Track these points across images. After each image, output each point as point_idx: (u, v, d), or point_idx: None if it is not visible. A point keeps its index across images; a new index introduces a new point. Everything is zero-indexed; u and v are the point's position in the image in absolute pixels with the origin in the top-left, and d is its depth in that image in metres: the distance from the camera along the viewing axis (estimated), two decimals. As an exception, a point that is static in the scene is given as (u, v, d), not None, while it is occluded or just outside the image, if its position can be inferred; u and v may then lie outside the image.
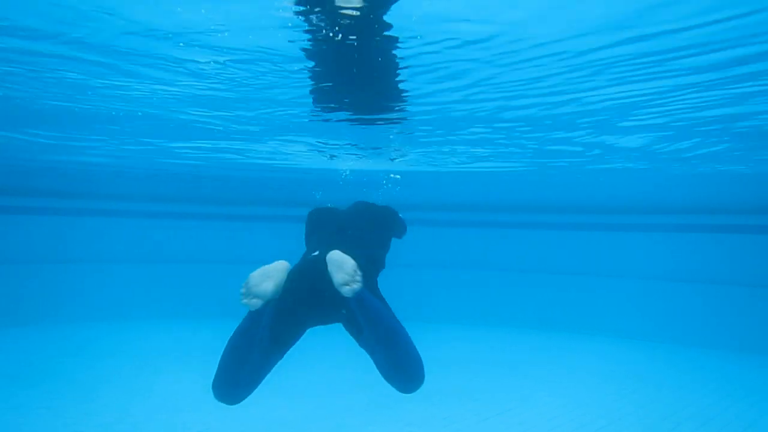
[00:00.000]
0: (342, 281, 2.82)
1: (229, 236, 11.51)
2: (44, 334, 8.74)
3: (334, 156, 7.30)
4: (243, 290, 3.04)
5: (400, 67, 4.25)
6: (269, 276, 3.04)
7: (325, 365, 7.47)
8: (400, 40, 3.47)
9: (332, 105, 5.15)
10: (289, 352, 3.25)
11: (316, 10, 3.08)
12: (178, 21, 3.15)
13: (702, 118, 4.84)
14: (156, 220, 11.12)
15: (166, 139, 6.85)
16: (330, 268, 2.92)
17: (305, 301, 3.17)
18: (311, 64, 3.98)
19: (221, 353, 3.09)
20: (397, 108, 5.17)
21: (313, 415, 5.45)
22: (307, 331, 3.34)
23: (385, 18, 3.16)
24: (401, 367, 3.07)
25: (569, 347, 9.12)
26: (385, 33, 3.44)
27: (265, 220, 11.65)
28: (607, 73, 3.75)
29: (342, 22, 3.23)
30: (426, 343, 9.97)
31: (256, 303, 3.00)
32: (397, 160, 7.38)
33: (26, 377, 6.34)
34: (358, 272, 2.86)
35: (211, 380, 3.03)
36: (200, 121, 5.72)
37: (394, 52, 3.77)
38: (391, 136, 6.14)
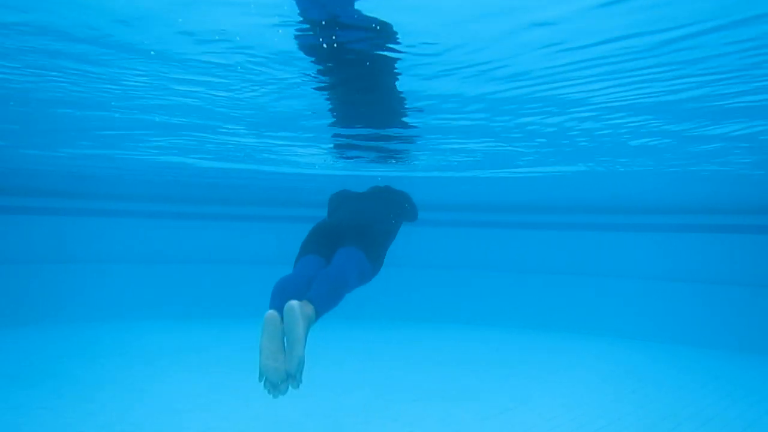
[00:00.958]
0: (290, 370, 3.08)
1: (229, 236, 11.52)
2: (44, 334, 8.75)
3: (346, 159, 7.33)
4: (264, 384, 3.12)
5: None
6: (274, 354, 3.11)
7: (324, 365, 7.48)
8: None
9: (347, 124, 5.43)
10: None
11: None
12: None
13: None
14: (156, 220, 11.13)
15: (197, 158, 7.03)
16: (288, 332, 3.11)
17: (327, 235, 3.96)
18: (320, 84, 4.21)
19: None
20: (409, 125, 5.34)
21: (312, 415, 5.45)
22: None
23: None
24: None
25: (569, 347, 9.12)
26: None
27: (266, 220, 11.65)
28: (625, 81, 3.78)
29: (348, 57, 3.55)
30: (426, 343, 10.05)
31: (281, 388, 3.10)
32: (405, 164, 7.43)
33: (26, 377, 6.34)
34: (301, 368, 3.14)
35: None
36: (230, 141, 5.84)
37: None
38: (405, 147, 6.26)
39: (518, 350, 8.91)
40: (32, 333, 8.77)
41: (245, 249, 11.45)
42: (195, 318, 10.37)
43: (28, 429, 4.86)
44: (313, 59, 3.81)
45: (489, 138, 5.76)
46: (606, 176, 7.86)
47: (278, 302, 3.16)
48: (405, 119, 5.26)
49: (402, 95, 4.56)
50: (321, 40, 3.44)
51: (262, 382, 3.07)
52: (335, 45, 3.48)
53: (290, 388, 3.05)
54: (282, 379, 3.04)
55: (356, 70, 4.01)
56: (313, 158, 7.20)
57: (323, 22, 3.25)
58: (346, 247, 3.77)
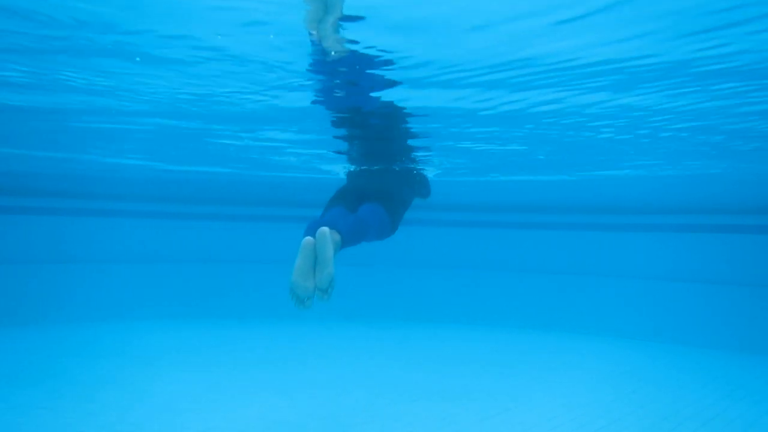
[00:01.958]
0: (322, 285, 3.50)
1: (229, 236, 11.51)
2: (44, 334, 8.74)
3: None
4: (291, 297, 3.60)
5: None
6: (305, 274, 3.53)
7: (324, 364, 7.47)
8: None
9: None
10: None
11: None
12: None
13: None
14: (156, 220, 11.12)
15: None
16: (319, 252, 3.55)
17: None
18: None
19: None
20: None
21: (312, 415, 5.45)
22: None
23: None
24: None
25: (569, 347, 9.12)
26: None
27: (267, 220, 11.64)
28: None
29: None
30: (426, 343, 10.01)
31: (306, 303, 3.58)
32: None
33: (26, 377, 6.34)
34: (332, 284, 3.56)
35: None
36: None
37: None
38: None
39: (518, 350, 8.91)
40: (32, 333, 8.76)
41: (245, 249, 11.44)
42: (195, 318, 10.36)
43: (28, 429, 4.85)
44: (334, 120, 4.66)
45: (496, 144, 5.84)
46: (609, 177, 7.89)
47: (312, 233, 3.63)
48: (415, 153, 5.57)
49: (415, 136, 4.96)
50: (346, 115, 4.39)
51: (291, 297, 3.55)
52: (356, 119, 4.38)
53: (321, 300, 3.54)
54: (308, 295, 3.50)
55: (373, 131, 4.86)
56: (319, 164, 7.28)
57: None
58: (370, 202, 4.38)
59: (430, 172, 7.04)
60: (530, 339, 9.73)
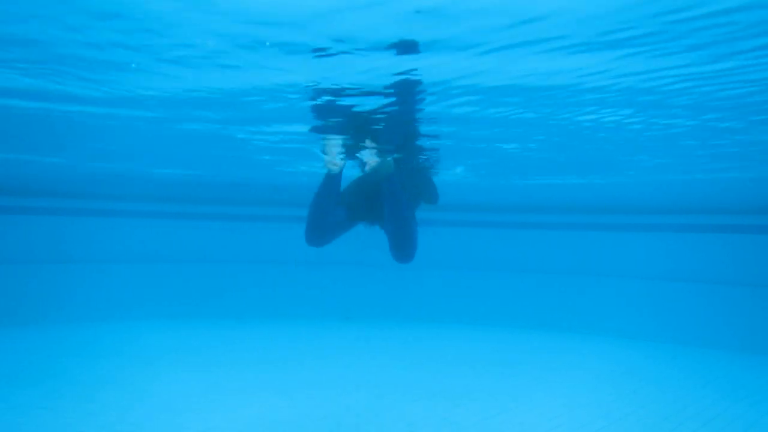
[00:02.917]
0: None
1: (229, 236, 11.51)
2: (44, 334, 8.73)
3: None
4: (326, 159, 4.42)
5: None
6: (334, 149, 4.52)
7: (324, 364, 7.47)
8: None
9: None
10: (354, 225, 4.65)
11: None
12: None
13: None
14: (156, 220, 11.11)
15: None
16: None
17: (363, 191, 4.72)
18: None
19: (308, 212, 4.30)
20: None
21: (312, 415, 5.44)
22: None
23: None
24: (401, 245, 4.40)
25: (569, 347, 9.11)
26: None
27: (267, 220, 11.64)
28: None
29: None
30: (426, 343, 9.99)
31: (336, 168, 4.34)
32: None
33: (26, 377, 6.33)
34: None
35: (303, 231, 4.29)
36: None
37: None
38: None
39: (519, 350, 8.90)
40: (32, 333, 8.76)
41: (245, 249, 11.44)
42: (195, 318, 10.36)
43: (28, 429, 4.85)
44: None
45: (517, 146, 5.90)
46: (611, 178, 7.90)
47: (312, 236, 4.30)
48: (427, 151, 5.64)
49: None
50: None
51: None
52: None
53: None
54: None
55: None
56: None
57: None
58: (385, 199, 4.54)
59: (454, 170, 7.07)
60: (531, 339, 9.72)
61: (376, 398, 6.03)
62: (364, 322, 10.70)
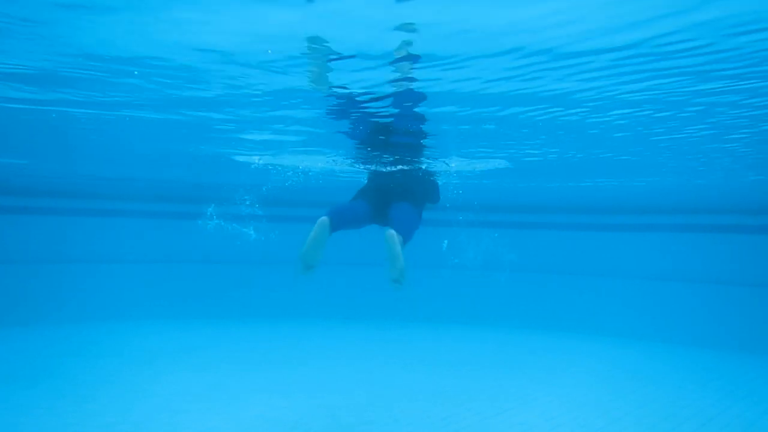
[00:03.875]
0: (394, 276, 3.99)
1: (228, 236, 11.49)
2: (44, 334, 8.74)
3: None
4: (299, 264, 3.97)
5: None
6: (316, 246, 3.94)
7: (324, 365, 7.47)
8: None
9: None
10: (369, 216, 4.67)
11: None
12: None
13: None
14: (156, 220, 11.11)
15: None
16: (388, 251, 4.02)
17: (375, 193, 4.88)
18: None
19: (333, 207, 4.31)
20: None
21: (312, 415, 5.45)
22: None
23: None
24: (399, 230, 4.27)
25: (569, 347, 9.12)
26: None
27: (267, 220, 11.63)
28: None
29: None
30: (426, 343, 9.97)
31: (310, 271, 4.01)
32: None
33: (26, 377, 6.34)
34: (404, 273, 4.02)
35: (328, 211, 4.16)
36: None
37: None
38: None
39: (519, 350, 8.90)
40: (32, 333, 8.76)
41: (245, 249, 11.43)
42: (195, 318, 10.36)
43: (28, 429, 4.85)
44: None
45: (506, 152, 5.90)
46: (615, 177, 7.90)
47: (336, 217, 4.06)
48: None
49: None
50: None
51: (299, 264, 3.93)
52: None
53: (395, 290, 4.03)
54: (314, 265, 3.96)
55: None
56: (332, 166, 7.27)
57: None
58: (396, 202, 4.69)
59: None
60: (530, 339, 9.73)
61: (376, 398, 6.04)
62: (363, 322, 10.70)
